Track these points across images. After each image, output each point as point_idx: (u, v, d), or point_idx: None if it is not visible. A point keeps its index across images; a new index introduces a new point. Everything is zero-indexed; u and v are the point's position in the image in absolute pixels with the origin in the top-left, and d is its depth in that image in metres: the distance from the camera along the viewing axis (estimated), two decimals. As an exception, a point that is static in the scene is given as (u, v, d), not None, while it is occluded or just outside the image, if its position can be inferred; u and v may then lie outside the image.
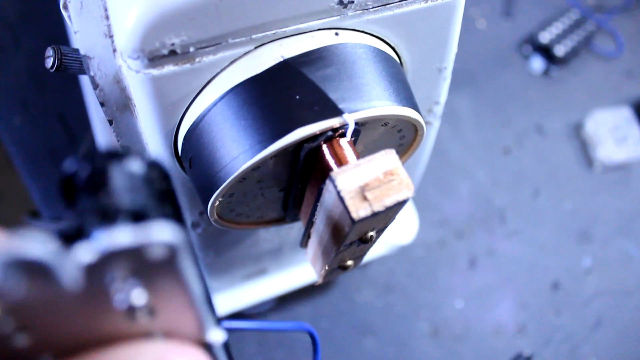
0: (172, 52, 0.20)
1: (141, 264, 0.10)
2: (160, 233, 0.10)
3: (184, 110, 0.23)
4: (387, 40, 0.25)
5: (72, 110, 0.65)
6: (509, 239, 0.65)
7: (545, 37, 0.72)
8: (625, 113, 0.69)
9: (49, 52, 0.26)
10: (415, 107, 0.24)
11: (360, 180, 0.20)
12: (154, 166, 0.12)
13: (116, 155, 0.11)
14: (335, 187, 0.19)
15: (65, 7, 0.24)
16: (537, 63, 0.73)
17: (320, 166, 0.22)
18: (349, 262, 0.27)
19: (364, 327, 0.60)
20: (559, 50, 0.71)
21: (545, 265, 0.64)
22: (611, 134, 0.68)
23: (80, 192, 0.11)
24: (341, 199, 0.19)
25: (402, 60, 0.27)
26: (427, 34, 0.26)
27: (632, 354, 0.61)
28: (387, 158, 0.20)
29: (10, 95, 0.68)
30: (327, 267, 0.26)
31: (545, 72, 0.73)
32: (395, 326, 0.60)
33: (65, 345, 0.11)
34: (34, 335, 0.10)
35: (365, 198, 0.19)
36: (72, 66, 0.24)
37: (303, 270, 0.48)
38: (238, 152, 0.21)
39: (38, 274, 0.09)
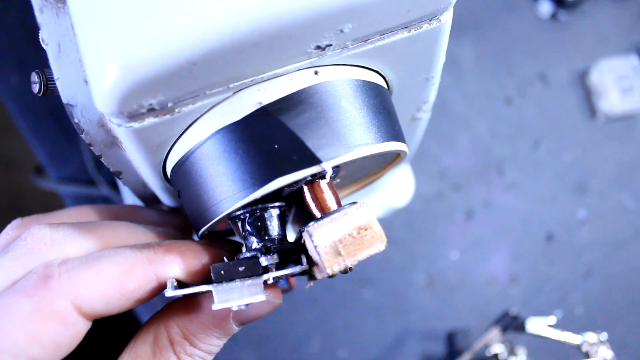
0: (151, 109, 0.20)
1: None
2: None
3: (168, 149, 0.24)
4: (369, 67, 0.25)
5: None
6: (506, 191, 0.67)
7: (555, -22, 0.69)
8: (633, 61, 0.67)
9: (34, 77, 0.26)
10: (398, 136, 0.25)
11: (335, 234, 0.21)
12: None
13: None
14: (312, 241, 0.20)
15: (44, 41, 0.23)
16: (546, 6, 0.70)
17: (302, 204, 0.23)
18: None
19: (362, 278, 0.63)
20: (570, -8, 0.68)
21: (541, 217, 0.66)
22: (617, 83, 0.66)
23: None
24: (318, 253, 0.20)
25: (387, 79, 0.26)
26: (412, 57, 0.25)
27: (617, 302, 0.64)
28: (362, 212, 0.21)
29: (5, 52, 0.67)
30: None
31: (553, 16, 0.70)
32: (393, 277, 0.63)
33: None
34: None
35: (339, 253, 0.20)
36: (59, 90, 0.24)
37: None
38: (220, 199, 0.22)
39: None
